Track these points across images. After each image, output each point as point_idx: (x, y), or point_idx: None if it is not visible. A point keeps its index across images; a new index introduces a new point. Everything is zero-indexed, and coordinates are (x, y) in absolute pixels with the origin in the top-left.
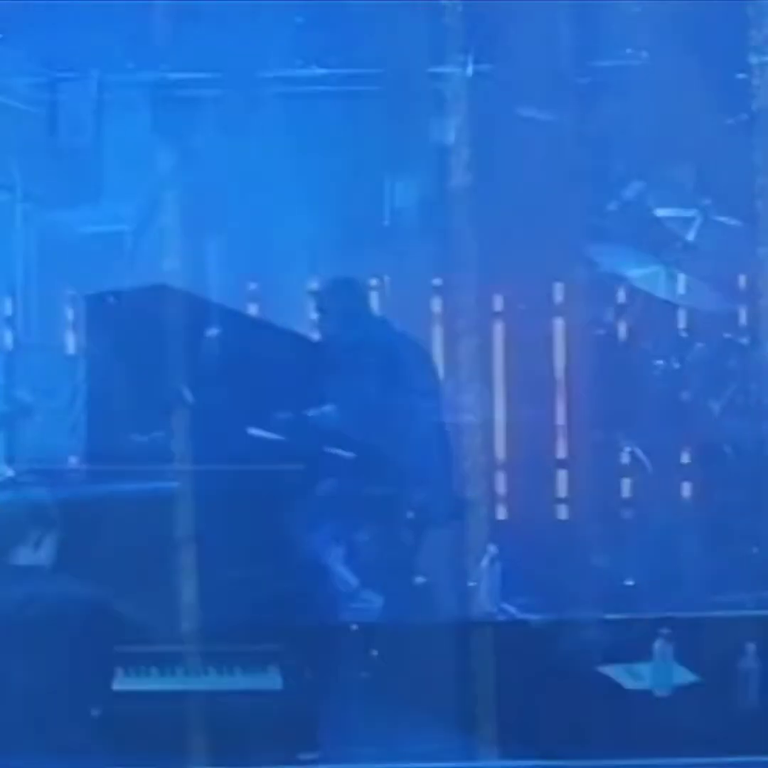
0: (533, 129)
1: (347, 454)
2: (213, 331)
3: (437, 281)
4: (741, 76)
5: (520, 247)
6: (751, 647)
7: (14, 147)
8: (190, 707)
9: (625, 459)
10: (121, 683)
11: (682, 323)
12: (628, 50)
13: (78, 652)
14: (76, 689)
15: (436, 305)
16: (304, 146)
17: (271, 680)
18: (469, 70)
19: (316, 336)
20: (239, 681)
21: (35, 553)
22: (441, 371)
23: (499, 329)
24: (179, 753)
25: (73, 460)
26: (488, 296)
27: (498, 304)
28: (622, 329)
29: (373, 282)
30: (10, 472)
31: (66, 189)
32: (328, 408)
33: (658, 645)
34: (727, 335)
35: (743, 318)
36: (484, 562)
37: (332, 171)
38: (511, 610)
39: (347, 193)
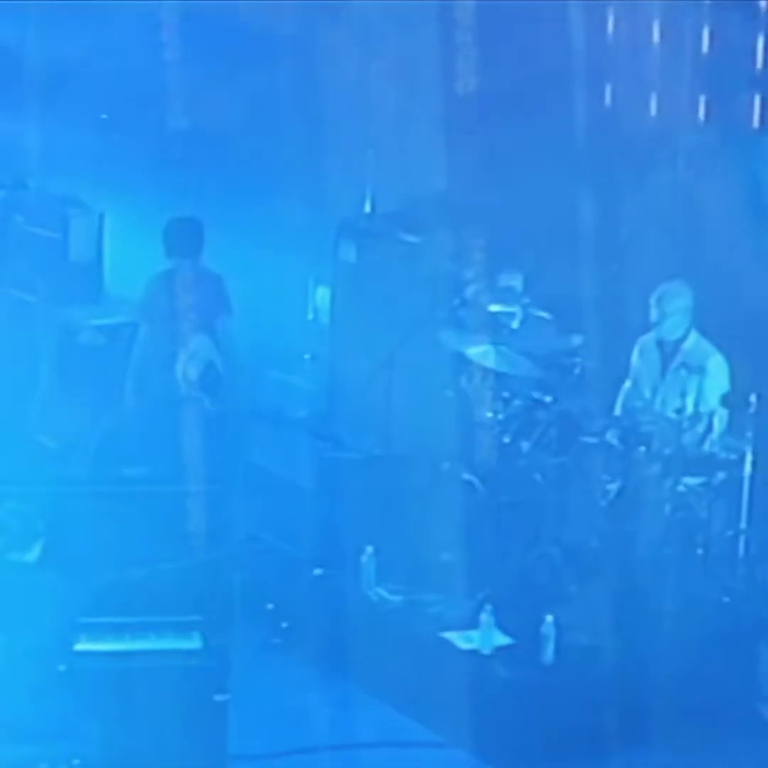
0: (405, 248)
1: None
2: None
3: None
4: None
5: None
6: (548, 618)
7: (39, 261)
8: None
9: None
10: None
11: (504, 386)
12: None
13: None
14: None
15: None
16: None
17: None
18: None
19: None
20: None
21: None
22: None
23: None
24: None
25: None
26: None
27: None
28: (466, 389)
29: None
30: None
31: (75, 292)
32: None
33: (483, 616)
34: (535, 394)
35: (547, 382)
36: (363, 558)
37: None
38: (383, 592)
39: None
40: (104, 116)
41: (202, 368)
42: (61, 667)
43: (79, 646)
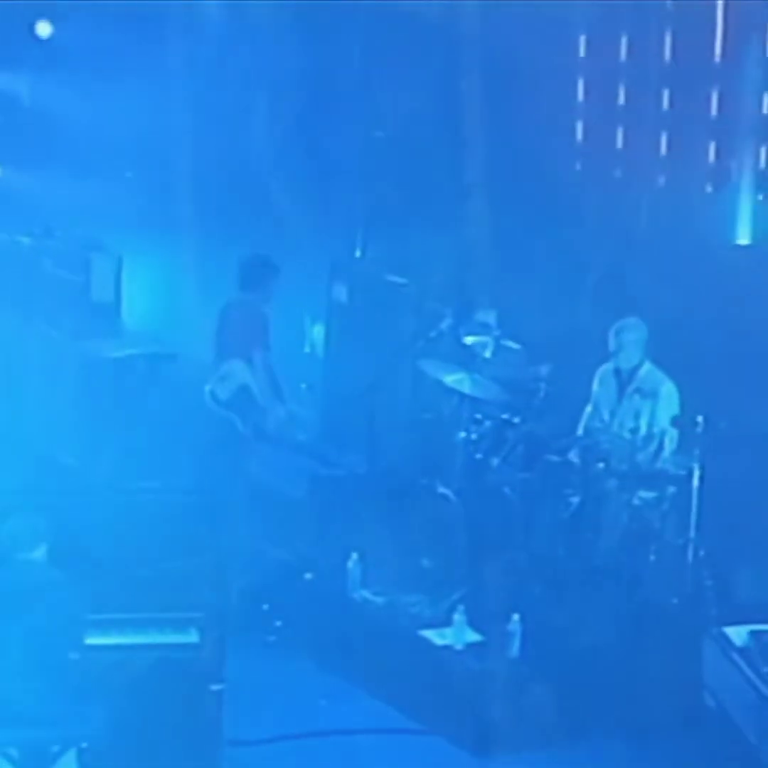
0: (391, 288)
1: None
2: None
3: None
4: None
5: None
6: (514, 618)
7: (64, 300)
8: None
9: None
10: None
11: (477, 409)
12: None
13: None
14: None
15: None
16: None
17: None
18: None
19: None
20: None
21: None
22: None
23: None
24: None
25: None
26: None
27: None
28: (443, 411)
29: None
30: None
31: (96, 327)
32: None
33: (456, 616)
34: (504, 416)
35: (515, 406)
36: (350, 563)
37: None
38: (367, 594)
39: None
40: (128, 174)
41: (234, 389)
42: (73, 658)
43: (90, 640)
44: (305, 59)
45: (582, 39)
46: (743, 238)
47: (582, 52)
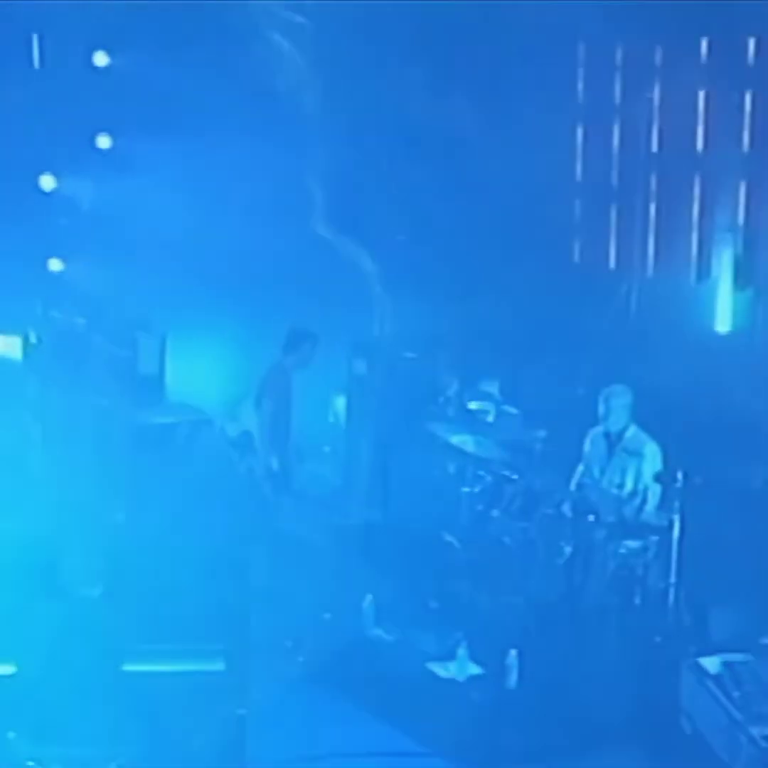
0: (405, 363)
1: None
2: None
3: None
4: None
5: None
6: (512, 653)
7: (113, 373)
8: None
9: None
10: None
11: (479, 466)
12: None
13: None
14: None
15: None
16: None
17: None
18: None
19: None
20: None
21: None
22: None
23: None
24: None
25: None
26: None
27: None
28: (449, 469)
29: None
30: None
31: (142, 397)
32: None
33: (459, 651)
34: (503, 472)
35: (514, 463)
36: (365, 604)
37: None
38: (380, 632)
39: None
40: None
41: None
42: (114, 683)
43: (127, 667)
44: (328, 158)
45: (577, 132)
46: (721, 326)
47: (579, 171)
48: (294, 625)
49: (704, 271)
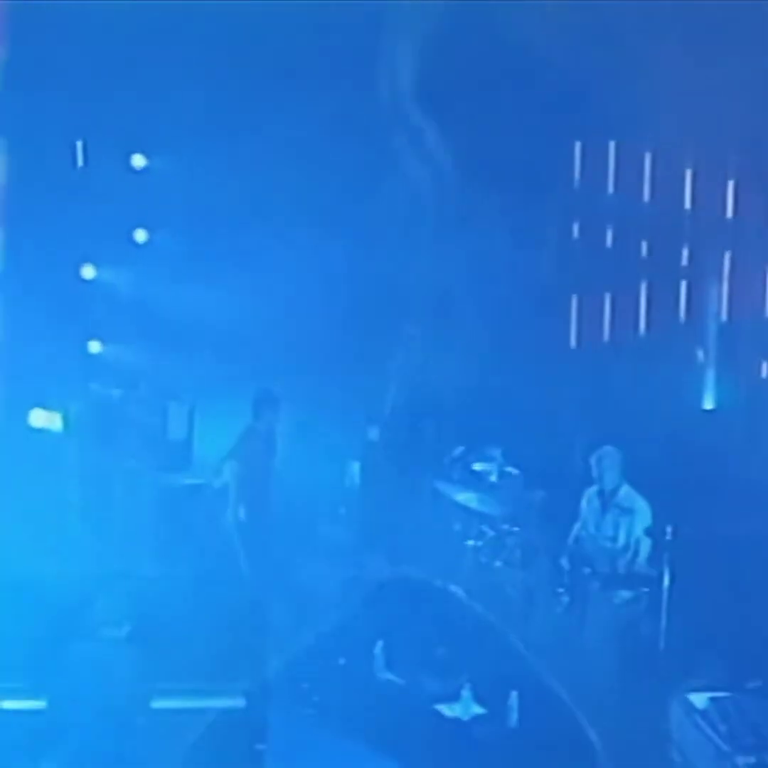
0: (414, 430)
1: None
2: None
3: None
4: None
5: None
6: (513, 694)
7: (145, 439)
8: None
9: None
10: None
11: (483, 521)
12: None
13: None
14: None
15: None
16: None
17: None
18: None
19: None
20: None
21: None
22: None
23: None
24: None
25: None
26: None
27: None
28: (455, 524)
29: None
30: None
31: (171, 461)
32: None
33: (464, 692)
34: (504, 526)
35: (515, 519)
36: (377, 650)
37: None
38: (391, 676)
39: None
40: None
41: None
42: (141, 718)
43: (155, 704)
44: (342, 256)
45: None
46: (707, 404)
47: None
48: (311, 668)
49: (691, 354)
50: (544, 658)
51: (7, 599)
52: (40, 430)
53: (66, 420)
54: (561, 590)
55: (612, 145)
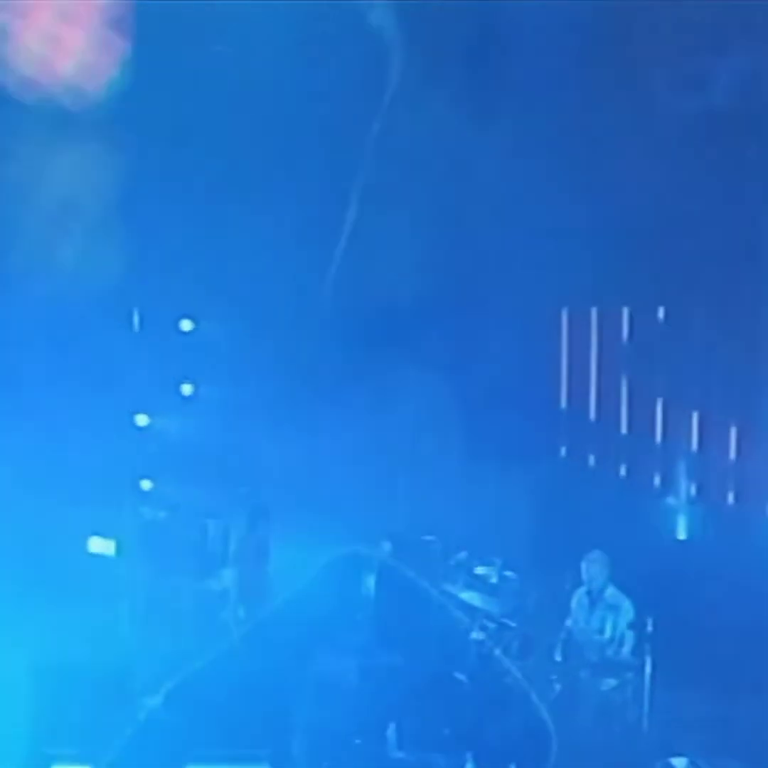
0: (421, 545)
1: None
2: None
3: None
4: None
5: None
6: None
7: (184, 548)
8: None
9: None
10: None
11: (484, 616)
12: None
13: None
14: None
15: None
16: None
17: None
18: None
19: None
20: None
21: None
22: None
23: None
24: None
25: None
26: None
27: None
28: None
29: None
30: None
31: (209, 571)
32: None
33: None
34: (504, 621)
35: (512, 613)
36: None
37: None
38: (402, 755)
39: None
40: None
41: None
42: None
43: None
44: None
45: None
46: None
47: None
48: (330, 748)
49: (666, 488)
50: (541, 738)
51: (65, 678)
52: (96, 555)
53: (119, 545)
54: (554, 678)
55: None
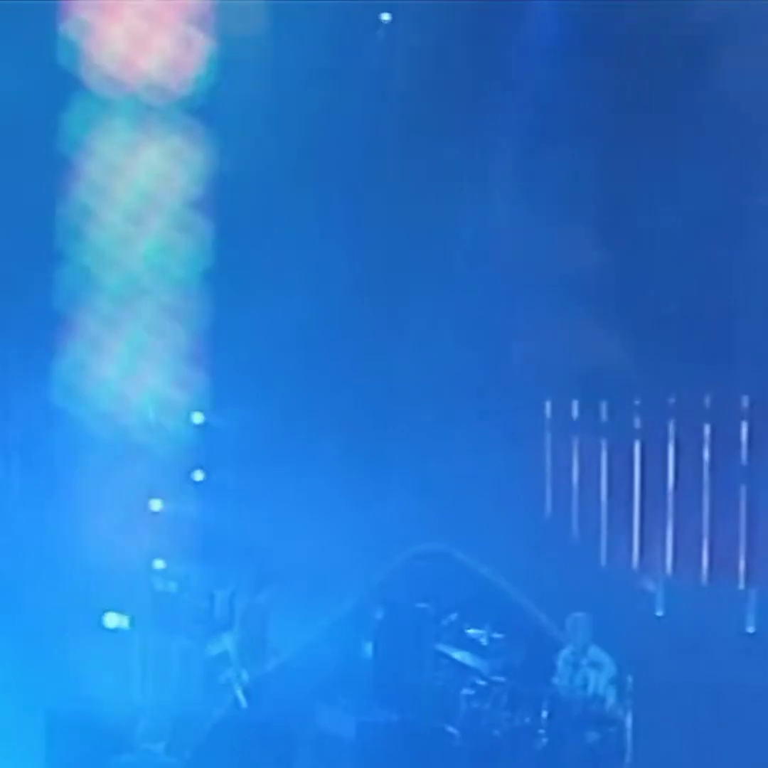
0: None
1: None
2: None
3: None
4: None
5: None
6: None
7: (195, 619)
8: None
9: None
10: None
11: (474, 673)
12: None
13: None
14: None
15: None
16: None
17: None
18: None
19: None
20: None
21: None
22: None
23: None
24: None
25: None
26: None
27: None
28: (451, 676)
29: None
30: None
31: (216, 636)
32: None
33: None
34: (493, 677)
35: (500, 670)
36: None
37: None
38: None
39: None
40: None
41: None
42: None
43: None
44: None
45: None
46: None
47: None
48: None
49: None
50: None
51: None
52: (112, 630)
53: (132, 619)
54: (541, 731)
55: None
